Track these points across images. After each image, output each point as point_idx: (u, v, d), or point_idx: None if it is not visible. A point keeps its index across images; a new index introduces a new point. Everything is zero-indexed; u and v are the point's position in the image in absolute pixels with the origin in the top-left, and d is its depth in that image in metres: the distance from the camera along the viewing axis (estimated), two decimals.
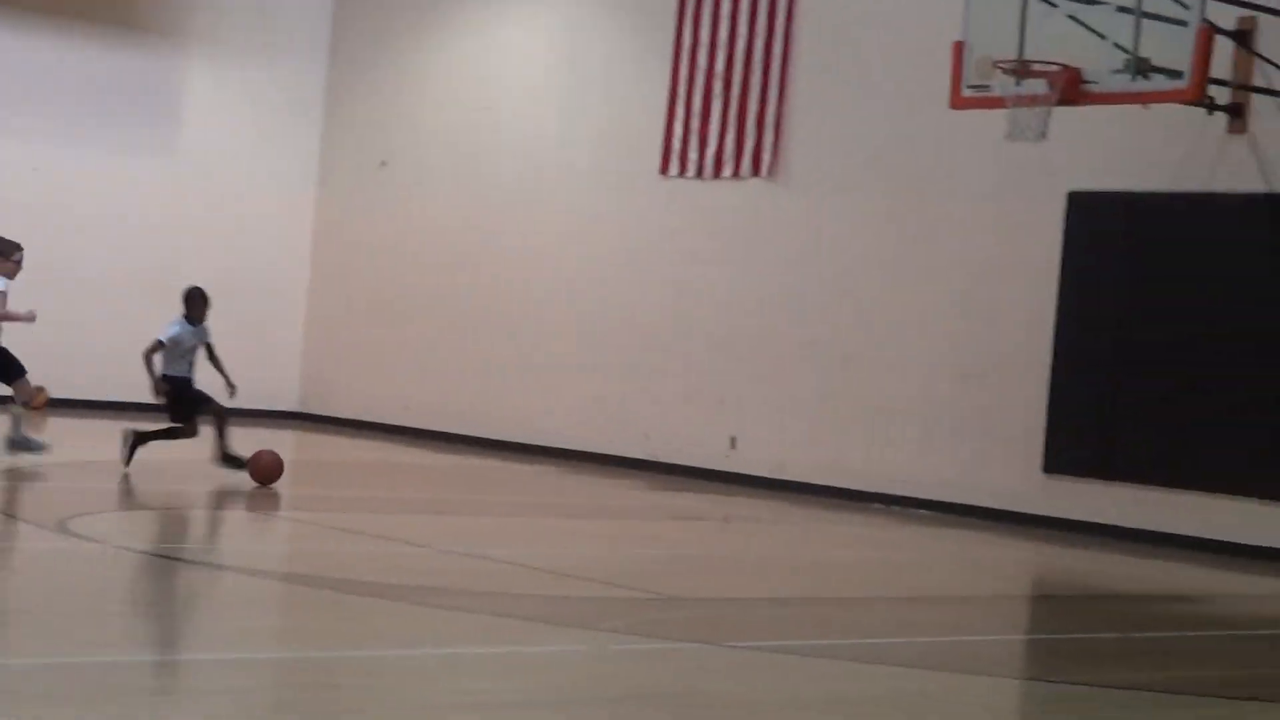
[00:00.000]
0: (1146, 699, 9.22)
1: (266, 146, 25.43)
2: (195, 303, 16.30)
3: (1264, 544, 16.81)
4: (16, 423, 15.74)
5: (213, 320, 16.25)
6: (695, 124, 21.61)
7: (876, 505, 18.81)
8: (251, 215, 25.06)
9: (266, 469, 15.51)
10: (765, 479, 20.28)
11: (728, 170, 21.35)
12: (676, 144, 21.80)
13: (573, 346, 22.42)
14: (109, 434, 16.34)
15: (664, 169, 21.93)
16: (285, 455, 15.89)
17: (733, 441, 20.99)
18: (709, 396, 21.12)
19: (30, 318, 15.60)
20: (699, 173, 21.58)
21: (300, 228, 25.70)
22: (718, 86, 21.41)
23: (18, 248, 15.95)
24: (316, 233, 25.88)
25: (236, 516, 14.86)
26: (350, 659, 8.80)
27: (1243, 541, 16.90)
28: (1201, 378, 17.22)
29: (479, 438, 22.27)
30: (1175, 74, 15.80)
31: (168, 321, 16.17)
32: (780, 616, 11.65)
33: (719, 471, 20.71)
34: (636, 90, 22.35)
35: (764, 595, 12.69)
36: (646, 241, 22.09)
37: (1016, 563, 16.04)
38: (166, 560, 11.38)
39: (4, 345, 15.83)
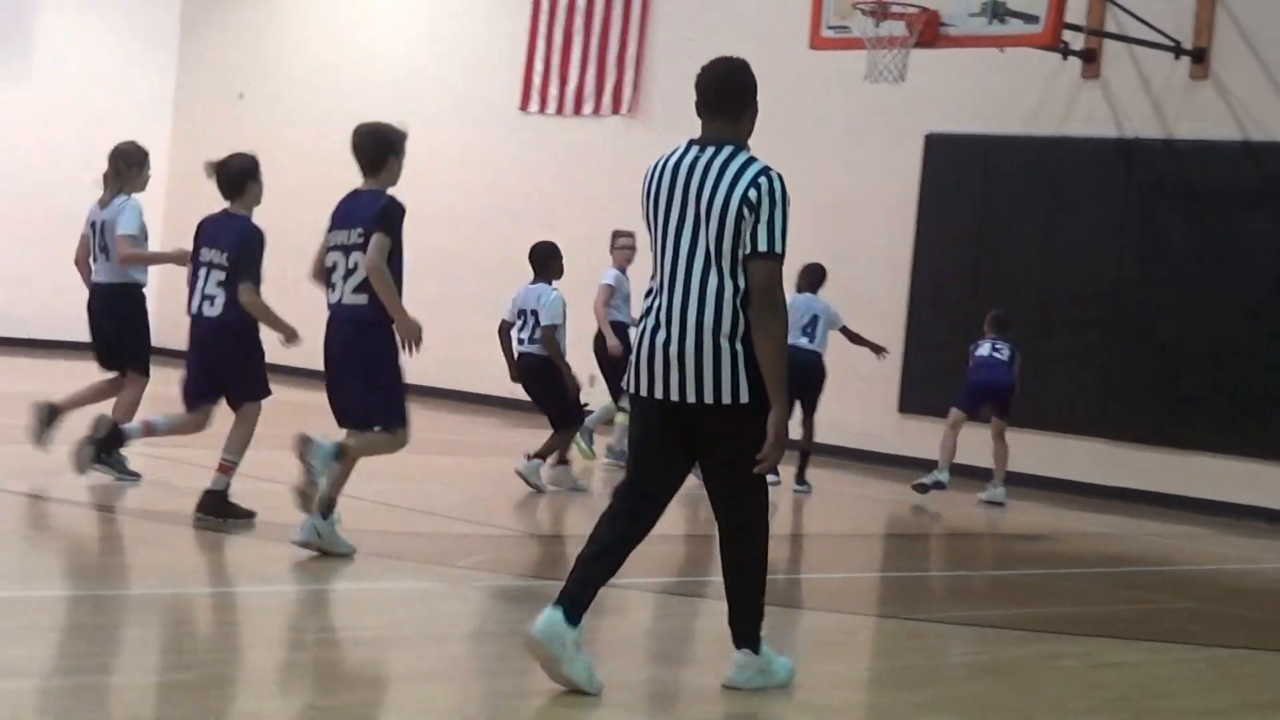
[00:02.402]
0: (996, 635, 9.37)
1: (121, 76, 25.07)
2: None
3: (1114, 484, 17.11)
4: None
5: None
6: (556, 60, 21.55)
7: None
8: (107, 145, 24.72)
9: None
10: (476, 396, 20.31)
11: (588, 107, 21.31)
12: (537, 80, 21.73)
13: (430, 282, 22.29)
14: None
15: (524, 105, 21.85)
16: (149, 390, 15.60)
17: (591, 380, 20.98)
18: (569, 334, 21.06)
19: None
20: (559, 109, 21.53)
21: (156, 158, 25.34)
22: (579, 22, 21.35)
23: None
24: (173, 163, 25.55)
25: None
26: (212, 595, 8.75)
27: (1094, 481, 17.19)
28: (1054, 319, 17.47)
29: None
30: (1031, 18, 15.99)
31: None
32: (637, 553, 11.70)
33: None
34: (497, 25, 22.24)
35: None
36: (506, 177, 22.01)
37: (873, 501, 16.20)
38: (16, 495, 11.22)
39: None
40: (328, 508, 9.58)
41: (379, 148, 9.87)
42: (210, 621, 8.22)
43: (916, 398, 18.29)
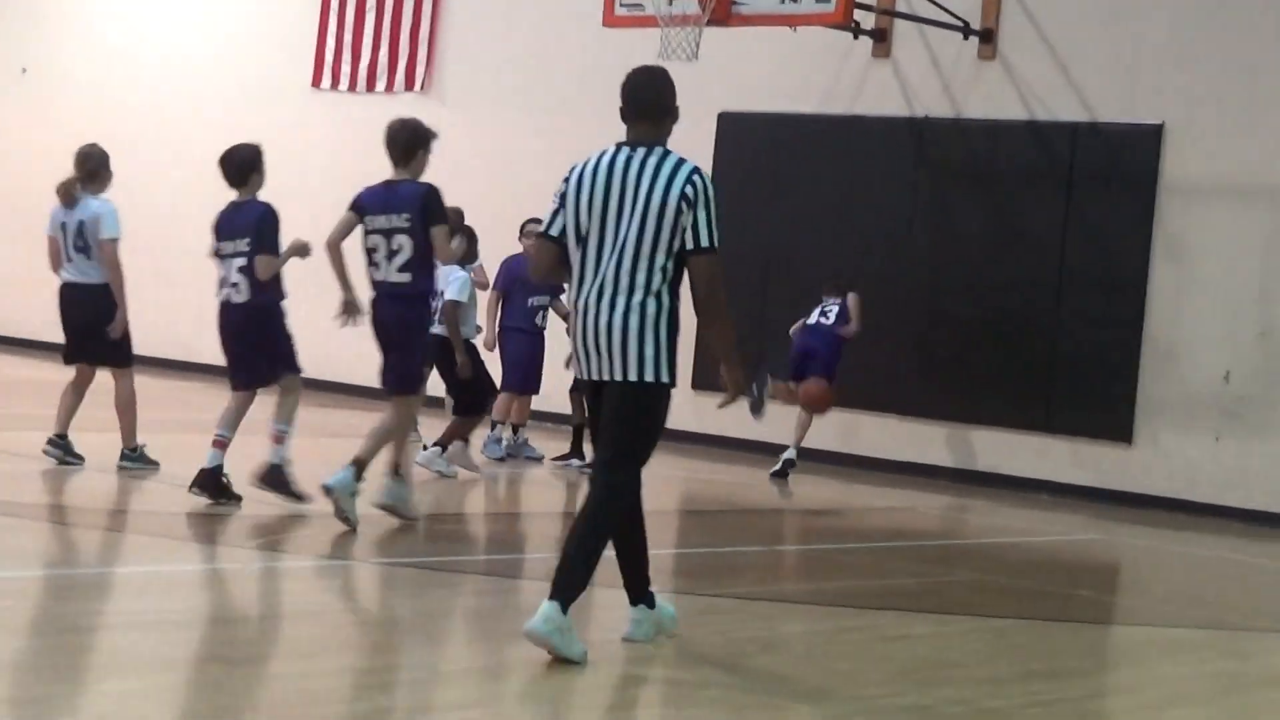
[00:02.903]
0: (787, 610, 9.46)
1: None
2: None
3: (903, 459, 17.35)
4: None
5: None
6: (348, 37, 21.36)
7: (546, 424, 18.88)
8: None
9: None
10: (436, 398, 20.20)
11: (381, 84, 21.15)
12: (329, 56, 21.52)
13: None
14: None
15: (316, 82, 21.64)
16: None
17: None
18: (365, 313, 20.90)
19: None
20: (352, 86, 21.34)
21: None
22: None
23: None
24: None
25: None
26: None
27: (883, 456, 17.42)
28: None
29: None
30: None
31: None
32: (433, 532, 11.68)
33: (375, 389, 20.55)
34: (289, 1, 21.98)
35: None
36: (297, 155, 21.73)
37: (665, 479, 16.27)
38: None
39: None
40: (395, 468, 10.89)
41: (411, 142, 10.79)
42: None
43: (709, 375, 18.34)
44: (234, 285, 11.26)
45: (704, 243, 7.81)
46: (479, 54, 20.53)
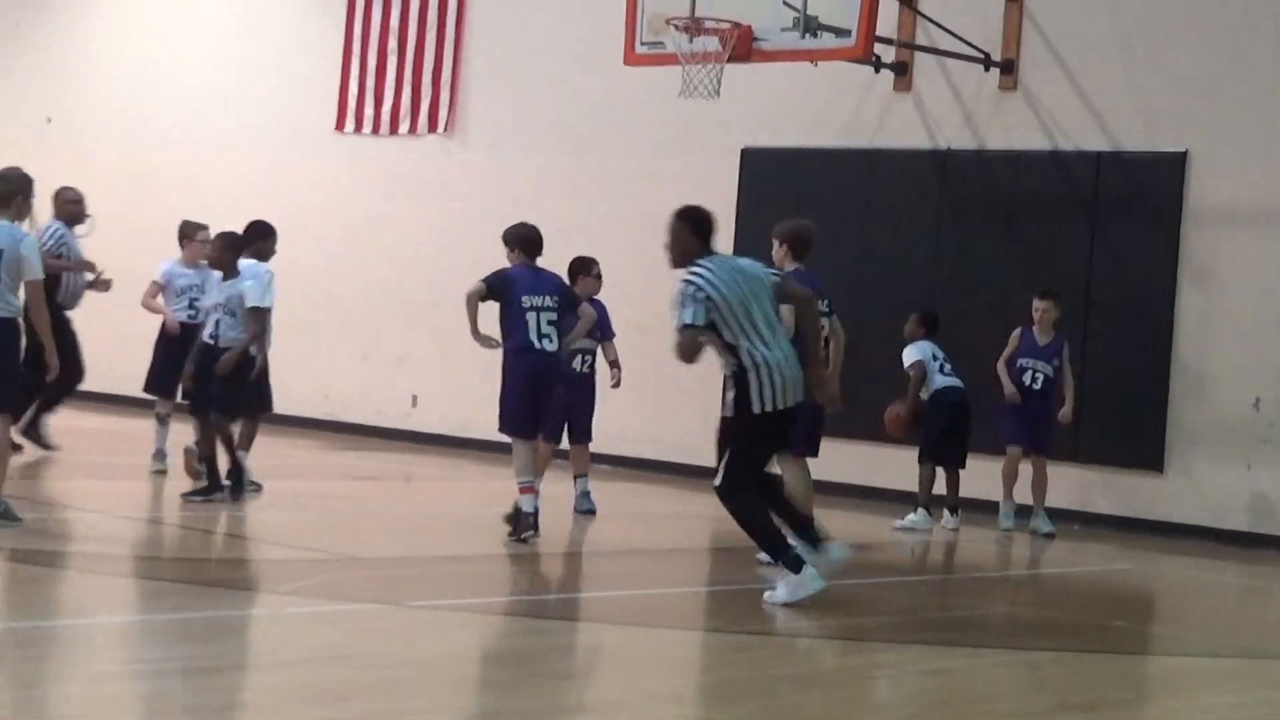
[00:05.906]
0: (819, 646, 9.43)
1: None
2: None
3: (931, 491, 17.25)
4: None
5: None
6: (371, 80, 21.42)
7: (558, 461, 18.87)
8: None
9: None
10: (447, 437, 20.21)
11: (404, 127, 21.21)
12: (352, 100, 21.58)
13: None
14: None
15: (339, 125, 21.70)
16: None
17: (414, 400, 20.89)
18: (388, 355, 20.97)
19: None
20: (375, 129, 21.40)
21: None
22: (393, 42, 21.25)
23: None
24: None
25: None
26: (17, 630, 8.56)
27: (908, 489, 17.33)
28: (869, 329, 17.61)
29: (150, 400, 21.79)
30: (843, 32, 16.11)
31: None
32: (460, 574, 11.66)
33: (400, 430, 20.61)
34: (311, 45, 22.06)
35: (444, 554, 12.67)
36: (322, 198, 21.84)
37: (695, 515, 16.24)
38: None
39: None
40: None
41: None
42: (23, 656, 8.03)
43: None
44: (545, 336, 12.54)
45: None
46: (501, 95, 20.57)
